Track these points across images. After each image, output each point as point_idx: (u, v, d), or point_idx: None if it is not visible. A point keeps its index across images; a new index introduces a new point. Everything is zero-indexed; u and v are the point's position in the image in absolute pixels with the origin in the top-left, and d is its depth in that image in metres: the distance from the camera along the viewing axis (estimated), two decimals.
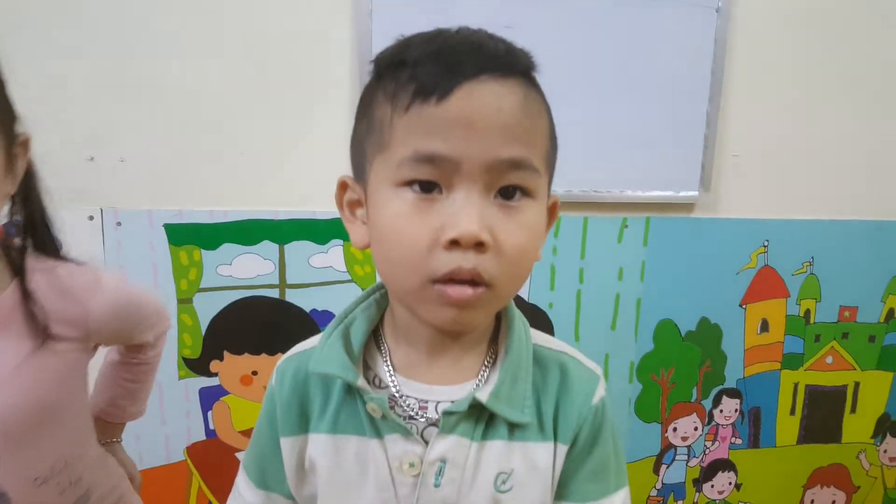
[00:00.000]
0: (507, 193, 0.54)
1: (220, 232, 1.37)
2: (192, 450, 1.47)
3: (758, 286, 1.56)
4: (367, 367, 0.63)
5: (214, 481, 1.50)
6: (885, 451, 1.70)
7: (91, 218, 1.32)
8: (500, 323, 0.66)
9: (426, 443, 0.59)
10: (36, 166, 0.80)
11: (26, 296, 0.74)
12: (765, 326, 1.59)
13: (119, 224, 1.34)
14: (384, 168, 0.55)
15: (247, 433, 1.47)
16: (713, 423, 1.64)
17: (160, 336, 0.97)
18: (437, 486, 0.59)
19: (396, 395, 0.61)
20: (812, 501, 1.72)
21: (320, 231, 1.40)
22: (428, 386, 0.62)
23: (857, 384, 1.65)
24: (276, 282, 1.41)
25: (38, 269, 0.77)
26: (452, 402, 0.60)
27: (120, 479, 0.94)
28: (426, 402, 0.61)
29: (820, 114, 1.49)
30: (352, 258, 1.42)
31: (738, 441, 1.66)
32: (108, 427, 0.98)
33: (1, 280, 0.75)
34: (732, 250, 1.53)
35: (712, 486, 1.69)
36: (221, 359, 1.43)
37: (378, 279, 0.64)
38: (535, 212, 0.56)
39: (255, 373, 1.45)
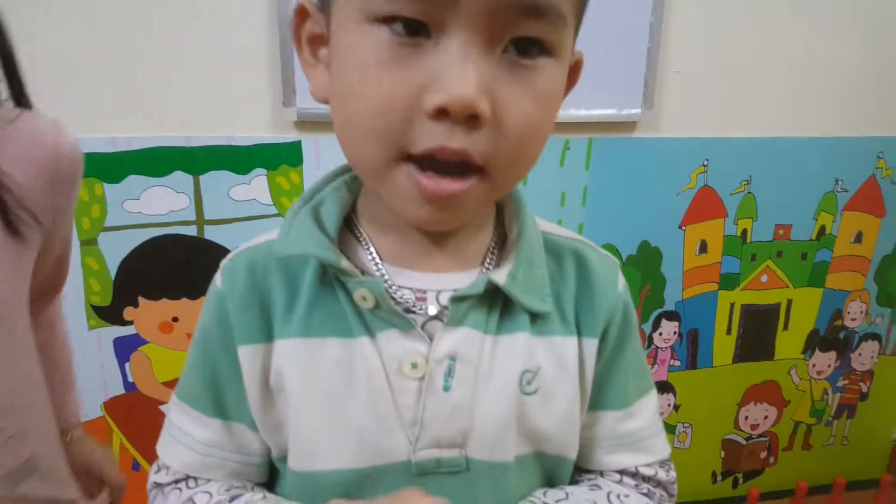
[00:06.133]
0: (521, 48, 0.41)
1: (123, 162, 1.22)
2: (111, 405, 1.35)
3: (697, 207, 1.54)
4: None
5: (137, 436, 1.38)
6: (814, 366, 1.76)
7: None
8: (501, 203, 0.55)
9: (430, 339, 0.48)
10: None
11: None
12: (703, 247, 1.59)
13: None
14: None
15: (171, 384, 1.36)
16: (653, 346, 1.64)
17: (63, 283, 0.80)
18: (446, 389, 0.48)
19: (387, 286, 0.49)
20: (746, 418, 1.77)
21: (240, 159, 1.26)
22: (424, 274, 0.50)
23: (789, 301, 1.68)
24: (193, 218, 1.28)
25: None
26: (456, 290, 0.48)
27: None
28: (424, 292, 0.50)
29: (761, 31, 1.45)
30: (277, 189, 1.30)
31: (677, 363, 1.67)
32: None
33: None
34: (673, 170, 1.50)
35: None
36: (136, 305, 1.30)
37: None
38: (554, 75, 0.43)
39: (175, 319, 1.32)
